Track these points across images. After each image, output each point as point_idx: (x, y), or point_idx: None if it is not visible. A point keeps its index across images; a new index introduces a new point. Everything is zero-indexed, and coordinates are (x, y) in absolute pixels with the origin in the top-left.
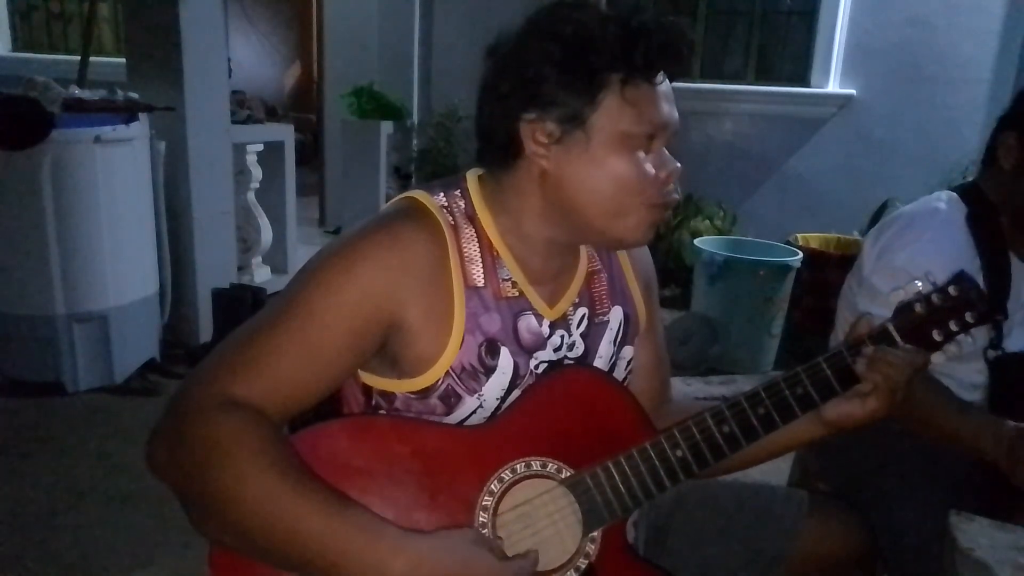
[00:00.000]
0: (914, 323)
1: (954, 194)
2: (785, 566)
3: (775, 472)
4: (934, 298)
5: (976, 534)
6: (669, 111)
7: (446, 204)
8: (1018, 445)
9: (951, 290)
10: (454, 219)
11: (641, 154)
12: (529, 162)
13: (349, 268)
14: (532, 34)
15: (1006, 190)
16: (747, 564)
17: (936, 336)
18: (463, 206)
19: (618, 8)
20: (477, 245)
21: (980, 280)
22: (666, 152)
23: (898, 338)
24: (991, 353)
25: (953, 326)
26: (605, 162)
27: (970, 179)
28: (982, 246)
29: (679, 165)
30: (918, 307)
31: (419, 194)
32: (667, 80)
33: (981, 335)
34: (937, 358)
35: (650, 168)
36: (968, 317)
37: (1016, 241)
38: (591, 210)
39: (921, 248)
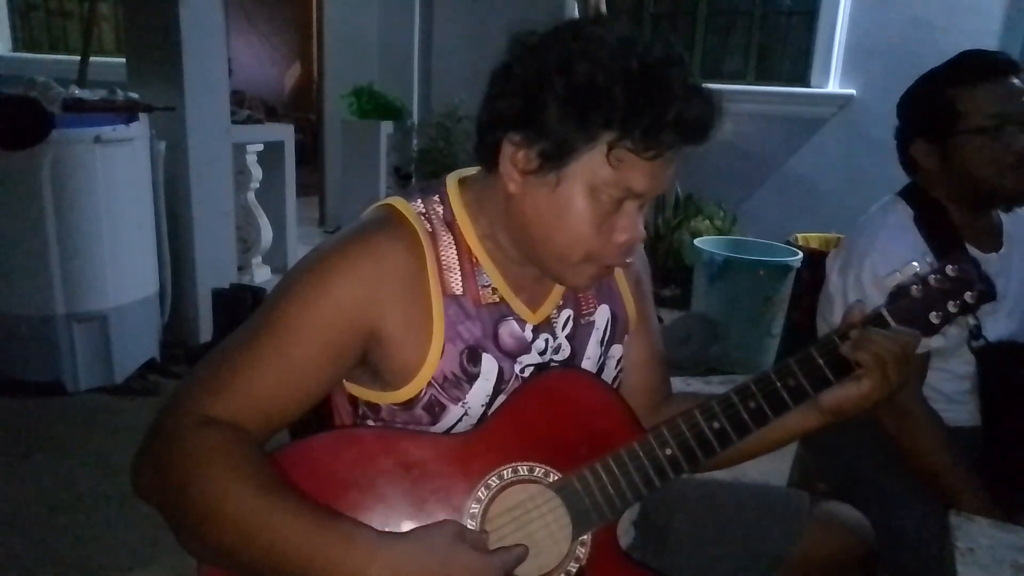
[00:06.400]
0: (910, 306)
1: (899, 198)
2: (785, 567)
3: (775, 472)
4: (931, 279)
5: (976, 534)
6: (653, 183)
7: (424, 211)
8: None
9: (949, 270)
10: (432, 226)
11: (607, 211)
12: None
13: (324, 282)
14: (550, 51)
15: (944, 185)
16: (747, 565)
17: (934, 319)
18: (441, 212)
19: (650, 56)
20: (455, 252)
21: None
22: (636, 216)
23: (892, 322)
24: (975, 343)
25: (952, 307)
26: (567, 208)
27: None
28: (935, 242)
29: (643, 233)
30: (914, 290)
31: (396, 201)
32: (671, 151)
33: (961, 326)
34: (936, 341)
35: (610, 228)
36: (968, 297)
37: (971, 232)
38: (538, 247)
39: (874, 257)
